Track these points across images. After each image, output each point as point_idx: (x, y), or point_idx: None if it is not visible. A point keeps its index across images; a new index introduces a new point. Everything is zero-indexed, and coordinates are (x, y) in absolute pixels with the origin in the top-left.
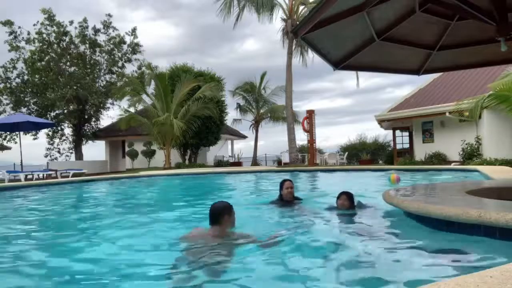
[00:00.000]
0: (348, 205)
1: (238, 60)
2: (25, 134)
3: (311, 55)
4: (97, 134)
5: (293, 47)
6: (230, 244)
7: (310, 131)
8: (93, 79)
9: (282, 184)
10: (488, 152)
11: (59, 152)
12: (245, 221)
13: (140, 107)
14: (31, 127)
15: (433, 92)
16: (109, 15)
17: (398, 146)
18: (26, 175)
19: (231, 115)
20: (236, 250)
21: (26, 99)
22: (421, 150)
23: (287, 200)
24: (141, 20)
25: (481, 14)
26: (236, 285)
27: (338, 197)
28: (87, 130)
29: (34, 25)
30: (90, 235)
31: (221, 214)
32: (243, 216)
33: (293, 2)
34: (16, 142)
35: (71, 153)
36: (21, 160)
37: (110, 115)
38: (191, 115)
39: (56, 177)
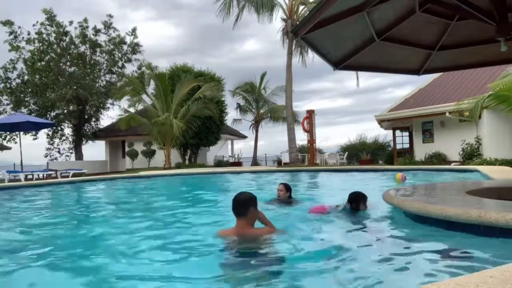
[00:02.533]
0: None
1: (238, 60)
2: (25, 134)
3: (311, 55)
4: (97, 134)
5: (293, 47)
6: (257, 240)
7: (310, 131)
8: (93, 79)
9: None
10: (488, 152)
11: (59, 152)
12: None
13: (140, 107)
14: (31, 127)
15: (433, 92)
16: (110, 16)
17: (398, 146)
18: (26, 175)
19: (231, 115)
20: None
21: (26, 99)
22: (421, 150)
23: (284, 200)
24: (142, 20)
25: (481, 14)
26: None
27: (360, 200)
28: (87, 130)
29: (33, 25)
30: (91, 234)
31: (247, 205)
32: None
33: (293, 2)
34: (16, 142)
35: (71, 153)
36: (21, 160)
37: (110, 115)
38: (191, 115)
39: (56, 177)
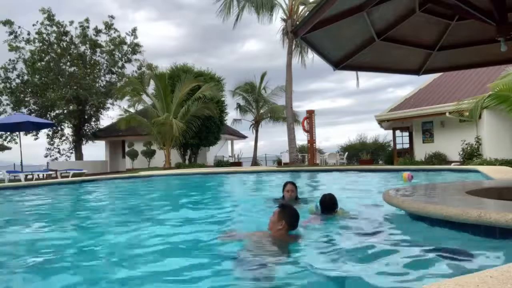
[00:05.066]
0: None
1: (239, 61)
2: (26, 135)
3: (310, 55)
4: (97, 134)
5: (293, 47)
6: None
7: (310, 131)
8: (93, 79)
9: (284, 186)
10: (488, 152)
11: (59, 152)
12: (249, 218)
13: (140, 107)
14: (32, 127)
15: (433, 92)
16: (112, 17)
17: (398, 146)
18: (26, 175)
19: (231, 115)
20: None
21: (26, 99)
22: (421, 150)
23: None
24: (143, 21)
25: (481, 14)
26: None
27: (331, 206)
28: (87, 130)
29: (33, 25)
30: (90, 234)
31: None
32: (247, 213)
33: (293, 2)
34: (16, 143)
35: (71, 153)
36: (21, 160)
37: (110, 115)
38: (191, 115)
39: (56, 177)
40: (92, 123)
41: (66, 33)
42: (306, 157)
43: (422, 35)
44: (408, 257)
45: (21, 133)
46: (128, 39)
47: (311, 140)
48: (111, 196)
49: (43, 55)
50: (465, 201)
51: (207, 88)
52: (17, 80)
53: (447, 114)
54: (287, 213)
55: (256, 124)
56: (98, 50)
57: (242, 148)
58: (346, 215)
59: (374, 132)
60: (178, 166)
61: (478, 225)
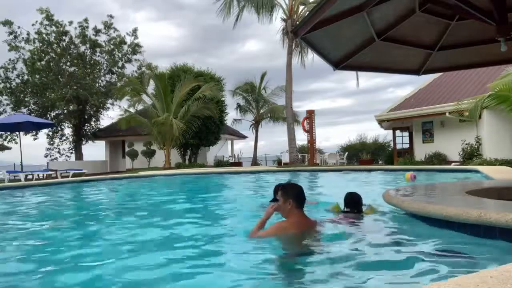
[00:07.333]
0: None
1: (239, 61)
2: (26, 135)
3: (310, 55)
4: (97, 134)
5: (293, 47)
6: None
7: (310, 131)
8: (93, 79)
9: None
10: (488, 152)
11: (59, 152)
12: (252, 219)
13: (140, 107)
14: (32, 127)
15: (433, 92)
16: (111, 16)
17: (398, 146)
18: (26, 175)
19: (231, 115)
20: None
21: (26, 99)
22: (421, 150)
23: None
24: (143, 21)
25: (481, 14)
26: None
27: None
28: (87, 130)
29: (33, 25)
30: (90, 235)
31: None
32: (250, 214)
33: (293, 2)
34: (16, 143)
35: (71, 153)
36: (21, 160)
37: (110, 115)
38: (191, 115)
39: (56, 177)
40: (92, 123)
41: (65, 33)
42: (306, 157)
43: (422, 35)
44: (408, 257)
45: (21, 133)
46: (129, 40)
47: (311, 140)
48: (111, 196)
49: (43, 55)
50: (465, 201)
51: (207, 88)
52: (17, 80)
53: (447, 114)
54: (289, 189)
55: (256, 124)
56: (98, 50)
57: (242, 148)
58: (374, 212)
59: (374, 132)
60: (178, 166)
61: (478, 225)
